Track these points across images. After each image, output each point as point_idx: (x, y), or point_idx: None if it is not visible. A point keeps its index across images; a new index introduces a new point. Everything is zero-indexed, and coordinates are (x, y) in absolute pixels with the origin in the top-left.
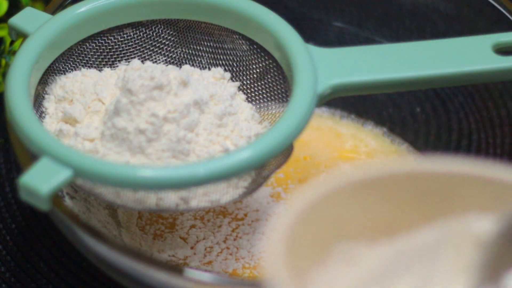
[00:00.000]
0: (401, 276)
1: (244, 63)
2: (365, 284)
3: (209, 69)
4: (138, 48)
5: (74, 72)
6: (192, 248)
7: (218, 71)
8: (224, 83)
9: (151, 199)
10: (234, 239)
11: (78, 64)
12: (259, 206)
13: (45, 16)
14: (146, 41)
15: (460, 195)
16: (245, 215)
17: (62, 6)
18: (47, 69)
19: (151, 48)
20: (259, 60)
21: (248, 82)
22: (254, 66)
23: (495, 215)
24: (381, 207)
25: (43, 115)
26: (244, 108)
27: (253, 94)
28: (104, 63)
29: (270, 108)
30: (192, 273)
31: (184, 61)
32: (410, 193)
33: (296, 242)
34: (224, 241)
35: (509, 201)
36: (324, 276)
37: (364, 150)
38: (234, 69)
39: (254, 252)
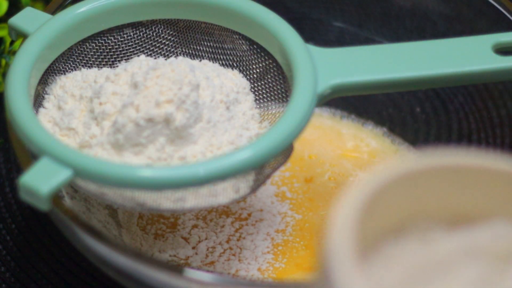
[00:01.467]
0: (470, 266)
1: (244, 63)
2: (433, 265)
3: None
4: (138, 48)
5: (74, 72)
6: (193, 248)
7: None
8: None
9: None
10: (238, 240)
11: (78, 64)
12: (263, 206)
13: (45, 16)
14: (146, 41)
15: None
16: (249, 215)
17: (62, 6)
18: (47, 69)
19: (151, 48)
20: (259, 60)
21: (248, 82)
22: (254, 66)
23: None
24: (464, 196)
25: None
26: (244, 108)
27: (253, 94)
28: (104, 63)
29: (270, 108)
30: (193, 273)
31: None
32: (495, 187)
33: (371, 215)
34: (227, 242)
35: None
36: (395, 248)
37: (366, 150)
38: (234, 69)
39: (257, 253)
